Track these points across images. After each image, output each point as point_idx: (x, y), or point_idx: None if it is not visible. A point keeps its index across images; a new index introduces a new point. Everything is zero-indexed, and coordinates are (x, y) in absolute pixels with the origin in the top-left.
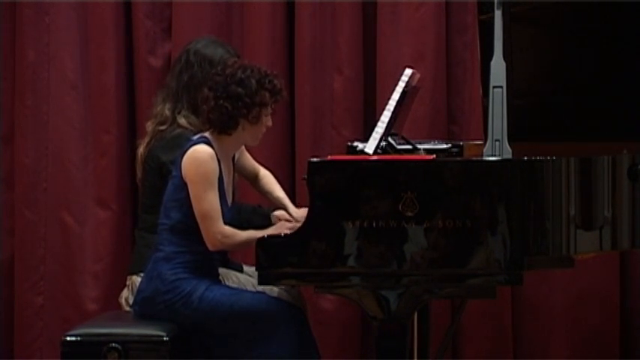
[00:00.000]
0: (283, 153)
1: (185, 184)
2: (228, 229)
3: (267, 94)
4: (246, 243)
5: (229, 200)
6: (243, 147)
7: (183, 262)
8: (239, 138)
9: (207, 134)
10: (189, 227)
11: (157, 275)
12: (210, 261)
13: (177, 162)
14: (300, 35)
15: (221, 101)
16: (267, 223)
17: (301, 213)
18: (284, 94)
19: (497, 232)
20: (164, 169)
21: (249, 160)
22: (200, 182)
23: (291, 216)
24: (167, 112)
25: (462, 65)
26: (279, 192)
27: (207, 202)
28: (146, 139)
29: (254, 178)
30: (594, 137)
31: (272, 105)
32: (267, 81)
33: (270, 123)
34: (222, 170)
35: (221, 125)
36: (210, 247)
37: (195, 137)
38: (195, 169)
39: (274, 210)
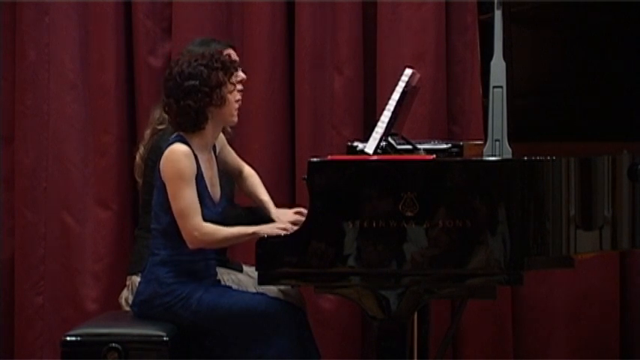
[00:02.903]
0: (283, 153)
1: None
2: (207, 226)
3: (220, 73)
4: (232, 239)
5: (216, 196)
6: (225, 141)
7: (180, 265)
8: (214, 125)
9: (182, 133)
10: (179, 229)
11: (155, 278)
12: (206, 261)
13: (158, 164)
14: (300, 35)
15: (181, 102)
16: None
17: (282, 216)
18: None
19: (497, 232)
20: None
21: (231, 155)
22: (174, 180)
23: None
24: (165, 115)
25: (461, 65)
26: (263, 195)
27: (183, 200)
28: (143, 143)
29: (237, 175)
30: (594, 137)
31: (230, 79)
32: (214, 61)
33: (238, 97)
34: (202, 165)
35: (192, 124)
36: (190, 245)
37: (172, 137)
38: (169, 168)
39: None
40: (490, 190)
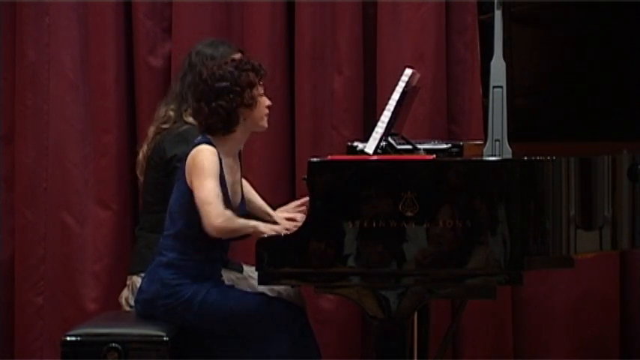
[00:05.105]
0: (283, 153)
1: (189, 190)
2: (228, 211)
3: (251, 74)
4: (242, 229)
5: (236, 202)
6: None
7: (186, 270)
8: (244, 129)
9: (209, 136)
10: (193, 235)
11: (159, 279)
12: (212, 267)
13: (182, 166)
14: (300, 35)
15: (213, 104)
16: None
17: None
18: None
19: (497, 232)
20: (170, 165)
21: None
22: (198, 172)
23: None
24: (170, 113)
25: (462, 65)
26: (259, 200)
27: (206, 189)
28: (147, 142)
29: None
30: (594, 137)
31: (260, 82)
32: (244, 63)
33: (268, 102)
34: (225, 170)
35: (223, 125)
36: (213, 233)
37: (198, 139)
38: (194, 162)
39: None
40: (490, 190)
